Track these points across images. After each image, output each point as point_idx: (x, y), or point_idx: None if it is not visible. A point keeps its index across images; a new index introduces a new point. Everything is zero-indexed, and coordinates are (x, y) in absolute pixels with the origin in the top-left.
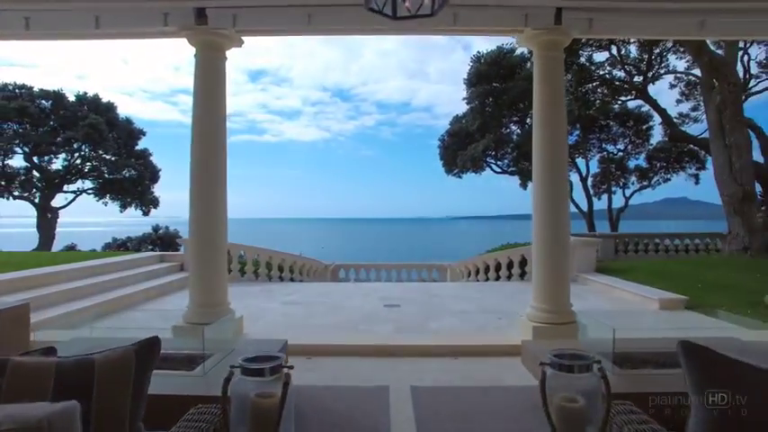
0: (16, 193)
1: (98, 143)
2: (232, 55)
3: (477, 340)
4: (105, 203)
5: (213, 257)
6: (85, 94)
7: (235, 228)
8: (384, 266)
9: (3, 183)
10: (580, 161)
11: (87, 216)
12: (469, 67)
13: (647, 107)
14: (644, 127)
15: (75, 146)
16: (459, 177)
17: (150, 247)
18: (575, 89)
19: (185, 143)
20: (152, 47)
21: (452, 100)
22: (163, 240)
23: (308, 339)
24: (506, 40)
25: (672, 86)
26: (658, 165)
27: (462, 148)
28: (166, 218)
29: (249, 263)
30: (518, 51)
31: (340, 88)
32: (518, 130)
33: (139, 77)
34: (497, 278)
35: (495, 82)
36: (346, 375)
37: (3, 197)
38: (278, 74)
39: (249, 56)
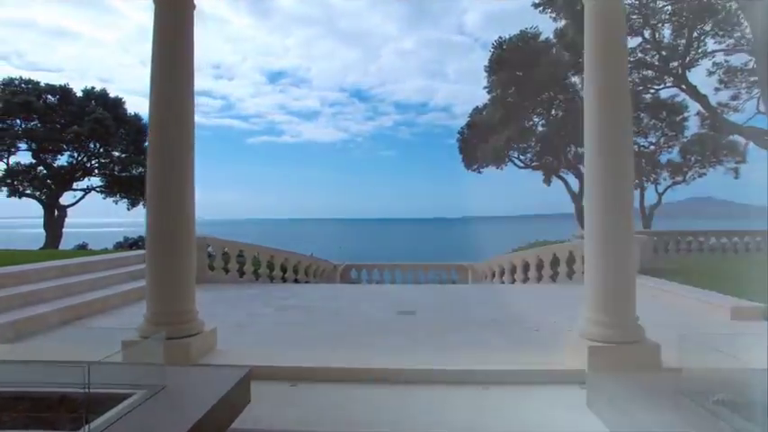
0: (28, 191)
1: (105, 139)
2: (246, 53)
3: (514, 362)
4: (116, 201)
5: (175, 257)
6: (93, 88)
7: (251, 228)
8: (399, 266)
9: (9, 180)
10: None
11: (96, 215)
12: (491, 54)
13: (681, 97)
14: (678, 118)
15: (82, 142)
16: (480, 173)
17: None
18: None
19: (206, 143)
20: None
21: (471, 99)
22: None
23: (294, 360)
24: (530, 23)
25: (710, 73)
26: (693, 159)
27: (483, 142)
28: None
29: (248, 262)
30: (543, 36)
31: (358, 89)
32: (542, 122)
33: None
34: (525, 280)
35: (519, 69)
36: (339, 414)
37: (15, 195)
38: (296, 75)
39: (268, 57)
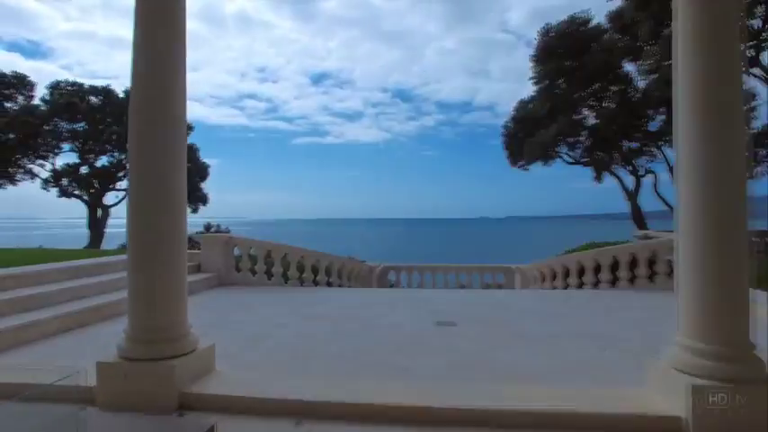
0: (76, 192)
1: None
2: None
3: (585, 401)
4: None
5: (162, 263)
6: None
7: (293, 228)
8: (441, 269)
9: (59, 181)
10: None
11: None
12: (537, 42)
13: (751, 83)
14: (746, 107)
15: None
16: (526, 169)
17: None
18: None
19: (250, 146)
20: (219, 51)
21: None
22: None
23: (304, 389)
24: (579, 7)
25: None
26: (763, 152)
27: (530, 136)
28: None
29: (277, 264)
30: (593, 21)
31: (401, 89)
32: (594, 114)
33: (208, 84)
34: (580, 285)
35: (567, 58)
36: None
37: (65, 196)
38: (339, 76)
39: (312, 59)
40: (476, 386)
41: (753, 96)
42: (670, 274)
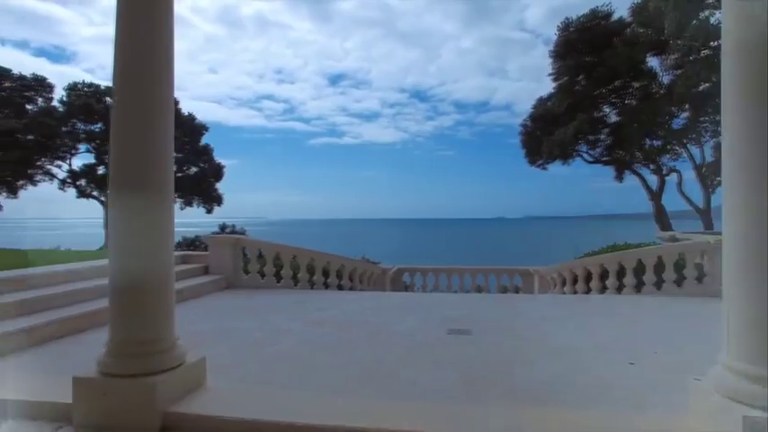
0: (94, 193)
1: None
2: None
3: (618, 429)
4: (180, 202)
5: (146, 270)
6: None
7: (307, 229)
8: (456, 270)
9: (73, 181)
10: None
11: None
12: (556, 37)
13: None
14: None
15: None
16: (544, 168)
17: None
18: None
19: (268, 146)
20: (237, 53)
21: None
22: None
23: (296, 411)
24: (598, 4)
25: None
26: None
27: (548, 134)
28: (240, 218)
29: (286, 266)
30: (615, 15)
31: (418, 89)
32: (615, 111)
33: (227, 85)
34: (602, 289)
35: (588, 54)
36: None
37: (84, 197)
38: (356, 77)
39: (329, 60)
40: (490, 410)
41: None
42: (700, 279)
